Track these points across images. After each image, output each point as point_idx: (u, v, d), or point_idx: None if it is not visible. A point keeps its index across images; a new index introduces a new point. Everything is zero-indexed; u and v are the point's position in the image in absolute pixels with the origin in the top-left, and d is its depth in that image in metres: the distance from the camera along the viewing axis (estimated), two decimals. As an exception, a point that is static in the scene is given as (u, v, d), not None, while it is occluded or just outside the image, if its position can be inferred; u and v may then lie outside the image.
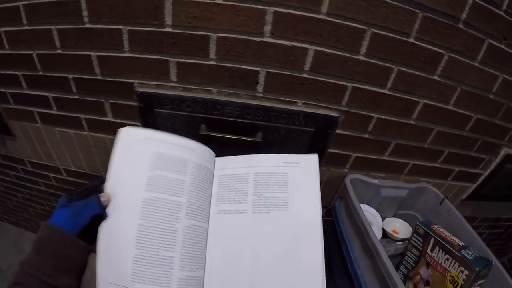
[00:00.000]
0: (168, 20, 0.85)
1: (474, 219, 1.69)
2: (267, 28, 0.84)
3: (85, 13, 0.88)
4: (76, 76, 1.01)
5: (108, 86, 1.00)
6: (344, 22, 0.84)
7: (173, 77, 0.95)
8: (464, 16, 0.87)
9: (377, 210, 1.25)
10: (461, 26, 0.89)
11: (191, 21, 0.84)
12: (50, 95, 1.09)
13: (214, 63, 0.91)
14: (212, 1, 0.81)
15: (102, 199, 0.54)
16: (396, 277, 0.81)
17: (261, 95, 0.97)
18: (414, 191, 1.26)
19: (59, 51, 0.97)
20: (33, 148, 1.31)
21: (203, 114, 0.98)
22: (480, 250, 1.00)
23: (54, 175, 1.42)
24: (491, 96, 1.08)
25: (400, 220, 1.29)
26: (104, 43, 0.92)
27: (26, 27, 0.95)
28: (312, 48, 0.88)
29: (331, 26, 0.84)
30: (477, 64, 0.98)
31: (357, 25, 0.85)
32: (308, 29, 0.85)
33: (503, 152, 1.32)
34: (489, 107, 1.11)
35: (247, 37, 0.86)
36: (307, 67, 0.91)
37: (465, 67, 0.98)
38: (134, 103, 1.02)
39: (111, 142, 1.14)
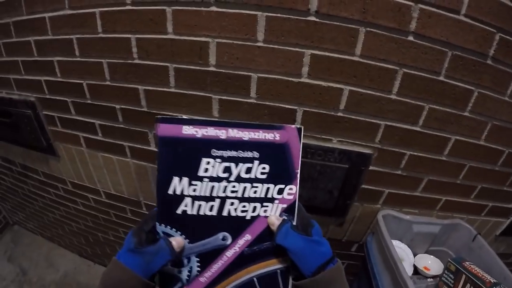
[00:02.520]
0: (212, 60, 0.91)
1: (509, 255, 1.62)
2: (305, 69, 0.89)
3: (134, 49, 0.96)
4: (123, 106, 1.09)
5: (152, 117, 1.07)
6: (376, 64, 0.88)
7: (215, 112, 1.01)
8: (492, 52, 0.88)
9: (409, 246, 1.24)
10: (489, 62, 0.90)
11: (234, 61, 0.90)
12: (96, 122, 1.18)
13: (255, 101, 0.97)
14: (253, 44, 0.87)
15: (174, 246, 0.52)
16: None
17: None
18: (446, 228, 1.24)
19: (108, 83, 1.06)
20: (75, 169, 1.40)
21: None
22: None
23: (93, 197, 1.50)
24: None
25: (432, 256, 1.27)
26: (151, 78, 0.99)
27: (78, 59, 1.05)
28: (347, 88, 0.92)
29: (364, 67, 0.88)
30: (507, 99, 0.98)
31: (389, 66, 0.89)
32: (343, 71, 0.89)
33: None
34: None
35: (286, 78, 0.91)
36: (342, 106, 0.95)
37: (495, 102, 0.98)
38: None
39: (152, 170, 1.23)
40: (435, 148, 1.06)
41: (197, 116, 1.03)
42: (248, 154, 0.54)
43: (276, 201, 0.57)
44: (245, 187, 0.55)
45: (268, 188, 0.56)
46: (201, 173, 0.53)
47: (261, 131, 0.55)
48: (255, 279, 0.57)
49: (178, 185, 0.52)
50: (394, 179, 1.13)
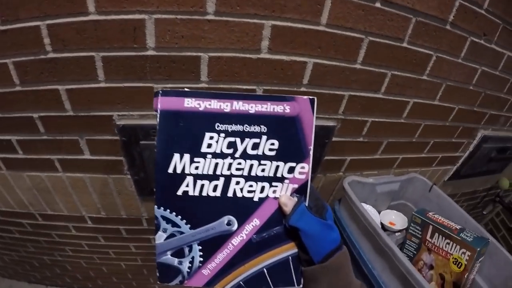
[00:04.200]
0: (150, 41, 0.68)
1: (454, 195, 1.72)
2: (265, 43, 0.71)
3: (46, 40, 0.67)
4: (42, 114, 0.80)
5: (82, 122, 0.80)
6: (342, 33, 0.74)
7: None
8: (451, 18, 0.82)
9: (373, 206, 1.20)
10: (448, 27, 0.84)
11: (178, 41, 0.68)
12: (13, 138, 0.86)
13: (206, 85, 0.76)
14: (202, 17, 0.65)
15: None
16: (418, 274, 0.78)
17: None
18: (404, 182, 1.23)
19: (18, 88, 0.75)
20: (0, 196, 1.07)
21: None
22: (475, 230, 1.01)
23: (29, 221, 1.18)
24: (471, 88, 1.06)
25: (394, 211, 1.25)
26: (74, 74, 0.72)
27: None
28: (311, 61, 0.77)
29: (330, 37, 0.74)
30: (460, 61, 0.95)
31: (355, 35, 0.76)
32: (307, 42, 0.73)
33: (480, 134, 1.34)
34: (469, 98, 1.10)
35: (243, 55, 0.72)
36: (305, 80, 0.80)
37: (450, 64, 0.94)
38: (114, 137, 0.83)
39: (91, 181, 0.95)
40: (395, 112, 1.00)
41: (136, 112, 0.80)
42: (255, 129, 0.46)
43: (287, 181, 0.48)
44: (251, 165, 0.47)
45: (277, 166, 0.47)
46: (204, 149, 0.45)
47: (269, 103, 0.46)
48: (265, 270, 0.49)
49: (179, 162, 0.45)
50: (356, 146, 1.05)
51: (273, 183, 0.47)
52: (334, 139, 0.97)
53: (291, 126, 0.47)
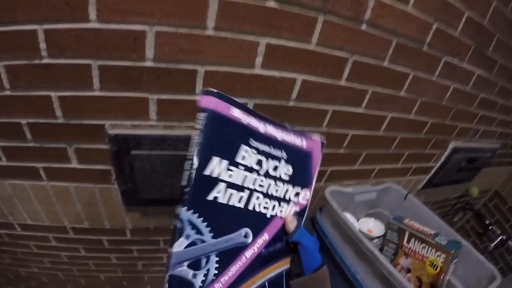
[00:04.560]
0: (150, 53, 0.71)
1: (427, 203, 1.84)
2: (259, 60, 0.76)
3: (43, 45, 0.68)
4: (31, 121, 0.80)
5: (72, 130, 0.81)
6: (330, 52, 0.82)
7: (153, 115, 0.81)
8: (428, 39, 0.92)
9: (352, 214, 1.27)
10: (425, 48, 0.94)
11: (177, 54, 0.72)
12: None
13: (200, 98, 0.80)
14: (202, 32, 0.70)
15: None
16: (398, 274, 0.86)
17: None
18: (381, 192, 1.32)
19: (8, 92, 0.74)
20: None
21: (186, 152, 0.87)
22: (449, 234, 1.11)
23: (6, 232, 1.15)
24: (443, 103, 1.17)
25: (372, 219, 1.33)
26: (68, 81, 0.73)
27: None
28: (300, 77, 0.83)
29: (319, 56, 0.81)
30: (434, 79, 1.05)
31: (341, 54, 0.84)
32: (298, 60, 0.79)
33: (451, 146, 1.47)
34: (441, 112, 1.21)
35: (238, 70, 0.77)
36: (294, 96, 0.86)
37: (425, 82, 1.04)
38: (105, 146, 0.84)
39: (76, 190, 0.95)
40: (374, 125, 1.08)
41: (129, 122, 0.82)
42: (278, 153, 0.53)
43: (292, 203, 0.57)
44: (270, 184, 0.53)
45: (287, 190, 0.56)
46: (238, 159, 0.48)
47: (292, 135, 0.55)
48: (266, 283, 0.54)
49: (217, 166, 0.46)
50: (337, 158, 1.13)
51: (282, 203, 0.55)
52: (317, 150, 1.05)
53: (304, 158, 0.57)
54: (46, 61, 0.70)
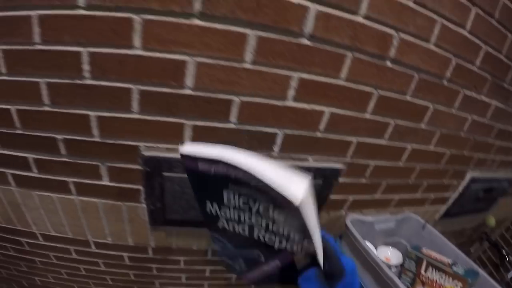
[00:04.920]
0: (189, 82, 0.76)
1: (444, 233, 1.85)
2: (291, 92, 0.82)
3: (86, 67, 0.73)
4: (67, 137, 0.85)
5: (107, 148, 0.86)
6: (357, 87, 0.88)
7: (188, 139, 0.87)
8: (448, 74, 0.98)
9: (371, 243, 1.30)
10: (445, 82, 0.99)
11: (215, 84, 0.77)
12: (30, 156, 0.90)
13: (234, 126, 0.85)
14: (240, 65, 0.75)
15: None
16: None
17: (276, 154, 0.94)
18: (400, 221, 1.36)
19: (47, 108, 0.80)
20: (2, 212, 1.08)
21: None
22: (466, 263, 1.14)
23: (28, 240, 1.20)
24: (461, 134, 1.22)
25: (390, 247, 1.36)
26: (108, 102, 0.79)
27: (5, 77, 0.77)
28: (328, 110, 0.88)
29: (346, 90, 0.86)
30: (453, 111, 1.10)
31: (367, 89, 0.89)
32: (327, 94, 0.85)
33: (468, 176, 1.51)
34: (460, 143, 1.26)
35: (271, 102, 0.82)
36: (322, 127, 0.91)
37: (444, 115, 1.09)
38: (137, 167, 0.89)
39: (104, 207, 1.01)
40: (395, 156, 1.12)
41: (163, 145, 0.87)
42: (263, 197, 0.46)
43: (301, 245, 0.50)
44: (268, 223, 0.49)
45: (289, 232, 0.49)
46: (225, 201, 0.51)
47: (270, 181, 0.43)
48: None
49: (211, 207, 0.53)
50: (358, 187, 1.16)
51: (290, 240, 0.49)
52: (340, 180, 1.09)
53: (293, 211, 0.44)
54: (88, 82, 0.76)
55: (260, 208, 0.48)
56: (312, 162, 0.98)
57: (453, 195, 1.55)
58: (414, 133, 1.08)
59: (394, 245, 1.38)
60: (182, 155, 0.48)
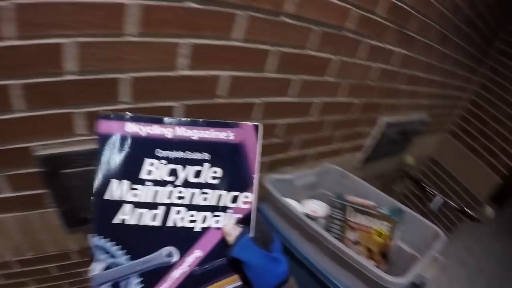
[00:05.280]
0: (70, 66, 0.74)
1: (366, 177, 2.03)
2: (184, 61, 0.84)
3: None
4: None
5: None
6: (253, 46, 0.91)
7: (81, 130, 0.84)
8: (348, 25, 1.06)
9: (294, 200, 1.40)
10: (345, 33, 1.08)
11: (100, 64, 0.76)
12: None
13: (128, 106, 0.85)
14: (123, 40, 0.75)
15: None
16: (346, 249, 0.99)
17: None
18: (320, 174, 1.48)
19: None
20: None
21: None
22: (389, 203, 1.29)
23: None
24: (369, 83, 1.36)
25: (315, 200, 1.47)
26: None
27: None
28: (226, 74, 0.92)
29: (242, 51, 0.90)
30: (358, 61, 1.22)
31: (265, 47, 0.94)
32: (222, 57, 0.89)
33: (381, 121, 1.68)
34: (368, 91, 1.40)
35: (163, 74, 0.84)
36: (222, 92, 0.95)
37: (349, 65, 1.20)
38: (35, 169, 0.85)
39: (13, 221, 0.94)
40: (303, 112, 1.22)
41: (56, 140, 0.84)
42: (197, 156, 0.49)
43: (230, 211, 0.51)
44: (193, 193, 0.49)
45: (220, 196, 0.51)
46: (143, 175, 0.48)
47: (212, 130, 0.50)
48: None
49: (116, 189, 0.47)
50: (272, 147, 1.25)
51: (216, 213, 0.50)
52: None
53: (235, 153, 0.50)
54: None
55: (191, 173, 0.49)
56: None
57: (370, 142, 1.74)
58: (320, 86, 1.18)
59: (319, 197, 1.51)
60: (104, 116, 0.46)
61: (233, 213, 0.51)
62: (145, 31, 0.76)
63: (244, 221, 0.52)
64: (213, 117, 0.96)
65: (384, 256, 1.21)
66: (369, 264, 0.96)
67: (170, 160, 0.48)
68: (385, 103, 1.59)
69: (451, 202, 2.11)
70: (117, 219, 0.47)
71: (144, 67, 0.81)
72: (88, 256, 1.07)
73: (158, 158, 0.48)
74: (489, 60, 2.46)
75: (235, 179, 0.51)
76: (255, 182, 0.52)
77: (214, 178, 0.50)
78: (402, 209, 1.25)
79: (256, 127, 0.52)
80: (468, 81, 2.46)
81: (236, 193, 0.51)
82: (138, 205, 0.47)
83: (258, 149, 0.52)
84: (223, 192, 0.51)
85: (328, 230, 1.35)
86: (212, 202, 0.50)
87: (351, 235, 1.29)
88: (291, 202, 1.36)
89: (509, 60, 2.37)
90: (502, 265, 3.89)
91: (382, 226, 1.20)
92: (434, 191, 2.21)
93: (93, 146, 0.83)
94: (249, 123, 0.51)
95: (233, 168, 0.51)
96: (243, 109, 1.04)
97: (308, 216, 1.37)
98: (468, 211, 2.05)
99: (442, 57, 1.76)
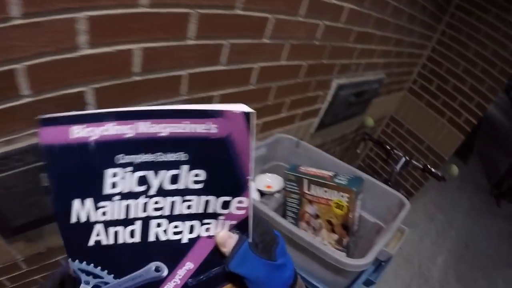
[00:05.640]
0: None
1: (325, 143, 2.08)
2: (83, 38, 0.76)
3: None
4: None
5: None
6: (168, 11, 0.84)
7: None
8: None
9: None
10: None
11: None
12: None
13: (31, 99, 0.77)
14: (7, 24, 0.64)
15: None
16: (302, 233, 0.98)
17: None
18: (271, 145, 1.44)
19: None
20: None
21: (40, 162, 0.82)
22: (348, 171, 1.29)
23: None
24: (316, 42, 1.31)
25: (268, 174, 1.46)
26: None
27: None
28: (138, 46, 0.85)
29: (155, 18, 0.83)
30: (300, 19, 1.16)
31: (182, 11, 0.86)
32: (131, 28, 0.81)
33: (334, 84, 1.65)
34: (315, 52, 1.35)
35: (62, 56, 0.75)
36: (136, 69, 0.88)
37: (290, 24, 1.14)
38: None
39: None
40: (241, 80, 1.16)
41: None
42: (172, 157, 0.40)
43: (222, 217, 0.44)
44: (173, 202, 0.42)
45: (207, 202, 0.43)
46: (107, 190, 0.39)
47: (187, 122, 0.38)
48: None
49: (81, 210, 0.39)
50: None
51: (205, 221, 0.44)
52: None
53: (221, 151, 0.40)
54: None
55: (166, 179, 0.41)
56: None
57: (323, 106, 1.74)
58: (257, 50, 1.12)
59: (273, 170, 1.50)
60: (44, 120, 0.35)
61: (225, 219, 0.44)
62: (29, 11, 0.66)
63: (240, 227, 0.45)
64: (132, 98, 0.93)
65: (345, 228, 1.23)
66: (327, 248, 0.96)
67: (137, 167, 0.39)
68: (337, 63, 1.57)
69: (415, 162, 2.17)
70: (91, 242, 0.40)
71: (39, 52, 0.72)
72: (37, 262, 1.02)
73: (121, 166, 0.39)
74: (445, 16, 2.51)
75: (224, 182, 0.43)
76: (250, 184, 0.43)
77: (196, 182, 0.42)
78: (362, 177, 1.25)
79: (247, 115, 0.40)
80: (426, 38, 2.50)
81: (227, 198, 0.43)
82: (110, 223, 0.41)
83: (251, 143, 0.41)
84: (211, 198, 0.43)
85: (285, 205, 1.36)
86: (198, 209, 0.43)
87: (309, 209, 1.30)
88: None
89: (466, 15, 2.43)
90: (470, 217, 4.15)
91: (341, 198, 1.19)
92: (398, 152, 2.24)
93: (2, 150, 0.77)
94: (236, 110, 0.39)
95: (220, 169, 0.42)
96: (168, 85, 0.97)
97: (262, 192, 1.39)
98: (433, 170, 2.10)
99: (396, 12, 1.75)
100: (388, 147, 2.29)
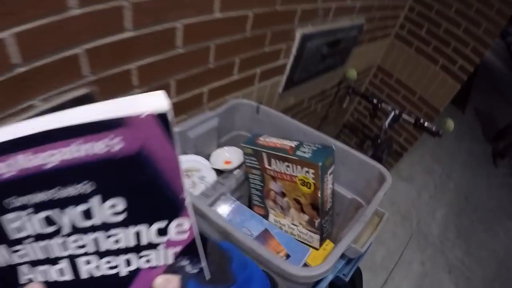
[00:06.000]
0: None
1: (301, 102, 1.90)
2: None
3: None
4: None
5: None
6: None
7: None
8: None
9: (197, 154, 1.22)
10: None
11: None
12: None
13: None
14: None
15: None
16: (240, 235, 0.81)
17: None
18: (225, 114, 1.26)
19: None
20: None
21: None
22: (316, 139, 1.11)
23: None
24: None
25: (226, 148, 1.31)
26: None
27: None
28: (9, 33, 0.65)
29: None
30: None
31: None
32: None
33: (298, 34, 1.43)
34: None
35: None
36: (16, 60, 0.69)
37: None
38: None
39: None
40: (165, 47, 0.97)
41: None
42: (74, 190, 0.32)
43: (162, 246, 0.38)
44: (96, 238, 0.36)
45: (138, 232, 0.36)
46: (14, 235, 0.34)
47: (80, 141, 0.29)
48: None
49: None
50: None
51: (142, 253, 0.38)
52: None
53: (136, 170, 0.33)
54: None
55: (76, 217, 0.34)
56: (41, 105, 0.79)
57: (288, 61, 1.51)
58: (175, 5, 0.90)
59: (234, 141, 1.32)
60: None
61: (167, 247, 0.38)
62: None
63: (187, 253, 0.39)
64: (25, 96, 0.74)
65: (315, 208, 1.06)
66: (275, 257, 0.78)
67: (37, 207, 0.32)
68: (298, 9, 1.33)
69: (406, 116, 2.01)
70: (22, 280, 0.36)
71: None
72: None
73: (17, 209, 0.32)
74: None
75: (152, 206, 0.36)
76: (187, 203, 0.36)
77: (116, 214, 0.34)
78: (332, 147, 1.06)
79: (163, 117, 0.29)
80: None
81: (161, 225, 0.37)
82: (33, 263, 0.36)
83: (176, 153, 0.32)
84: (141, 228, 0.36)
85: (248, 181, 1.21)
86: (129, 243, 0.37)
87: (274, 186, 1.13)
88: (191, 158, 1.19)
89: None
90: (468, 168, 4.06)
91: (306, 174, 1.01)
92: (387, 105, 2.08)
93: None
94: (143, 114, 0.29)
95: (142, 193, 0.34)
96: (64, 67, 0.77)
97: (221, 171, 1.23)
98: (426, 124, 1.94)
99: None
100: (375, 100, 2.14)
